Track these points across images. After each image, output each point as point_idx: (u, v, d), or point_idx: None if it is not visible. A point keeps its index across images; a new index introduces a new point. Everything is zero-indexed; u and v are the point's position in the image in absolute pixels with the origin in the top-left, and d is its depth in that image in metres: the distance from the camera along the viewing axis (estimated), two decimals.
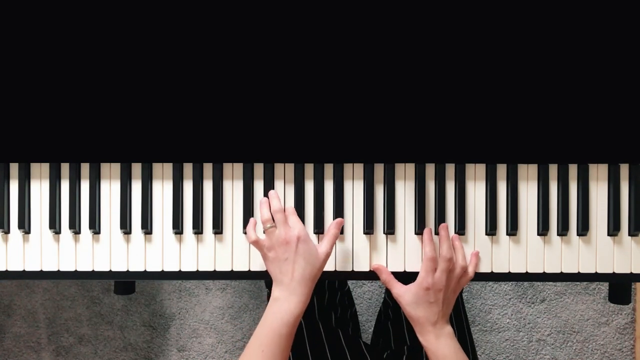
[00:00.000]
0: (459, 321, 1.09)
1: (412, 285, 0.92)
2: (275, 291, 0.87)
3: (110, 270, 0.97)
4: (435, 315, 0.90)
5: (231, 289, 1.69)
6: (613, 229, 0.96)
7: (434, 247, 0.93)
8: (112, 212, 0.97)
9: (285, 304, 0.85)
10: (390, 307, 1.18)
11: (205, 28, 0.95)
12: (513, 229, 0.96)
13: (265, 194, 0.96)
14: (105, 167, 0.97)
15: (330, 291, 1.15)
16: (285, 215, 0.90)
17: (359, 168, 0.97)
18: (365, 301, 1.68)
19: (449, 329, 0.90)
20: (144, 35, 0.95)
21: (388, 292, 1.23)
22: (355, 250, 0.96)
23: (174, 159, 0.96)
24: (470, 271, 0.94)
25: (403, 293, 0.91)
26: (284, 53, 0.95)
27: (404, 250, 0.96)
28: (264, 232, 0.91)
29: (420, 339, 0.91)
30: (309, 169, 0.97)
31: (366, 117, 0.95)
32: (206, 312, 1.69)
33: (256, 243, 0.90)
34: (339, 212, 0.95)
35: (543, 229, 0.96)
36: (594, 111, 0.95)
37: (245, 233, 0.96)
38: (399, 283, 0.93)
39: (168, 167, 0.97)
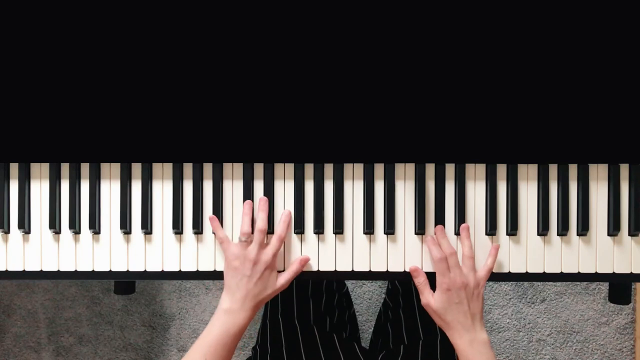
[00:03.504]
0: None
1: (435, 292, 0.92)
2: (226, 302, 0.90)
3: (110, 270, 0.97)
4: (465, 317, 0.89)
5: None
6: (613, 229, 0.95)
7: (439, 249, 0.93)
8: (112, 212, 0.97)
9: (234, 318, 0.89)
10: (390, 308, 1.18)
11: (205, 28, 0.95)
12: (513, 229, 0.96)
13: (266, 194, 0.96)
14: (105, 167, 0.97)
15: (328, 293, 1.15)
16: (263, 238, 0.91)
17: (359, 168, 0.97)
18: (365, 301, 1.68)
19: (484, 336, 0.90)
20: (144, 36, 0.95)
21: (388, 293, 1.23)
22: (355, 250, 0.96)
23: (174, 159, 0.96)
24: (489, 262, 0.93)
25: (429, 301, 0.91)
26: (284, 53, 0.95)
27: (404, 250, 0.96)
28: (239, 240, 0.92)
29: (454, 343, 0.90)
30: (309, 169, 0.97)
31: (366, 117, 0.95)
32: (206, 312, 1.69)
33: (223, 243, 0.92)
34: (339, 212, 0.95)
35: (543, 229, 0.96)
36: (594, 111, 0.95)
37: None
38: (430, 291, 0.93)
39: (168, 167, 0.97)
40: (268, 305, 1.12)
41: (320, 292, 1.14)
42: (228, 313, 0.89)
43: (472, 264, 0.92)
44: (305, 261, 0.95)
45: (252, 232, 0.92)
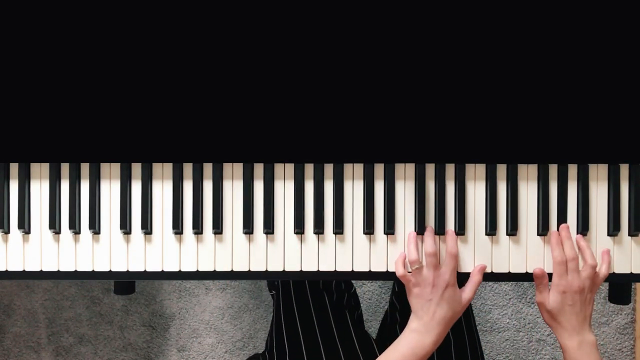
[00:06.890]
0: (468, 324, 1.09)
1: (551, 292, 0.92)
2: (414, 323, 0.91)
3: (110, 270, 0.97)
4: (577, 319, 0.90)
5: (231, 289, 1.69)
6: (613, 229, 0.95)
7: (562, 251, 0.93)
8: (112, 212, 0.97)
9: (421, 339, 0.90)
10: (397, 310, 1.17)
11: (205, 28, 0.95)
12: (513, 229, 0.96)
13: (266, 194, 0.96)
14: (105, 167, 0.97)
15: (338, 293, 1.15)
16: (437, 260, 0.91)
17: (359, 168, 0.97)
18: (365, 301, 1.68)
19: (592, 338, 0.91)
20: (144, 35, 0.95)
21: (395, 294, 1.22)
22: (355, 250, 0.96)
23: (174, 159, 0.96)
24: (604, 269, 0.94)
25: (545, 300, 0.92)
26: (284, 53, 0.95)
27: (404, 251, 0.96)
28: (409, 270, 0.93)
29: (562, 343, 0.92)
30: (309, 169, 0.97)
31: (366, 117, 0.95)
32: (206, 312, 1.69)
33: (403, 277, 0.93)
34: (339, 212, 0.95)
35: (543, 229, 0.96)
36: (594, 111, 0.95)
37: (245, 233, 0.96)
38: (548, 290, 0.93)
39: (168, 167, 0.97)
40: (280, 306, 1.11)
41: (331, 290, 1.14)
42: (415, 333, 0.90)
43: (591, 273, 0.92)
44: (484, 269, 0.95)
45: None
